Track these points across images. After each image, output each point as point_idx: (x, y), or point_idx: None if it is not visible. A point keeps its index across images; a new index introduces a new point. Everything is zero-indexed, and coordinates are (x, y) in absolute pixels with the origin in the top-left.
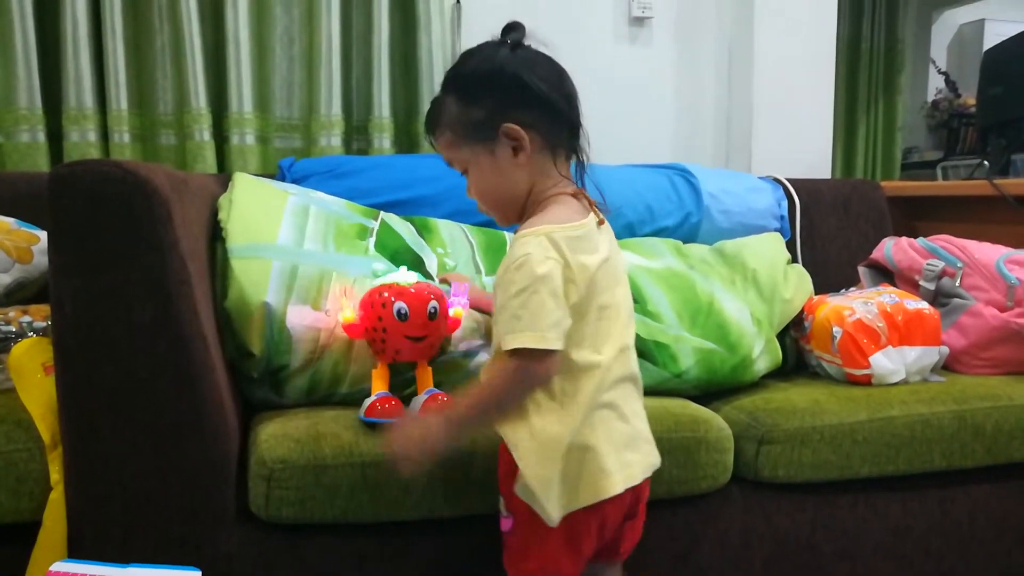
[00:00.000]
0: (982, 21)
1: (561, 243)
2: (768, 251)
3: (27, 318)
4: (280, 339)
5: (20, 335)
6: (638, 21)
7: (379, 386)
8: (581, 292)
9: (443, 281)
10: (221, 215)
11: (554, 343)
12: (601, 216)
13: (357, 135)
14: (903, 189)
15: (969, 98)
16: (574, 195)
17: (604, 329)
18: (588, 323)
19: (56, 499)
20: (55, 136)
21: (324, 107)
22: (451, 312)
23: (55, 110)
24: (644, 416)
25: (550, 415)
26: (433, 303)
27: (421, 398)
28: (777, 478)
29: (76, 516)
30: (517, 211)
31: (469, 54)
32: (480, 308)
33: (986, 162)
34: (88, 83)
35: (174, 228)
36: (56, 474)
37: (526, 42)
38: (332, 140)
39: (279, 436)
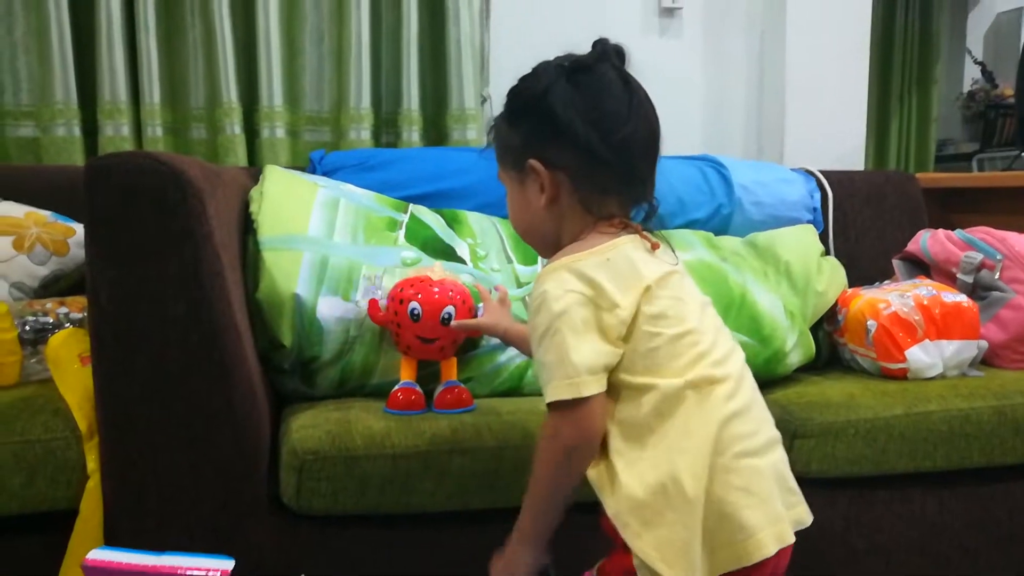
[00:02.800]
0: (1019, 10)
1: (587, 271)
2: (801, 243)
3: (64, 309)
4: (311, 330)
5: (57, 326)
6: (668, 12)
7: (406, 375)
8: (625, 314)
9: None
10: (252, 207)
11: (587, 388)
12: (653, 240)
13: (386, 128)
14: (939, 180)
15: (1007, 88)
16: (612, 224)
17: (677, 350)
18: (647, 345)
19: (92, 488)
20: (90, 130)
21: (354, 100)
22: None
23: (90, 104)
24: (784, 457)
25: (639, 463)
26: (449, 308)
27: (439, 389)
28: (810, 472)
29: (112, 505)
30: (548, 246)
31: (527, 75)
32: (508, 340)
33: (1022, 153)
34: (122, 77)
35: (208, 220)
36: (93, 463)
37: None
38: (362, 133)
39: (310, 427)
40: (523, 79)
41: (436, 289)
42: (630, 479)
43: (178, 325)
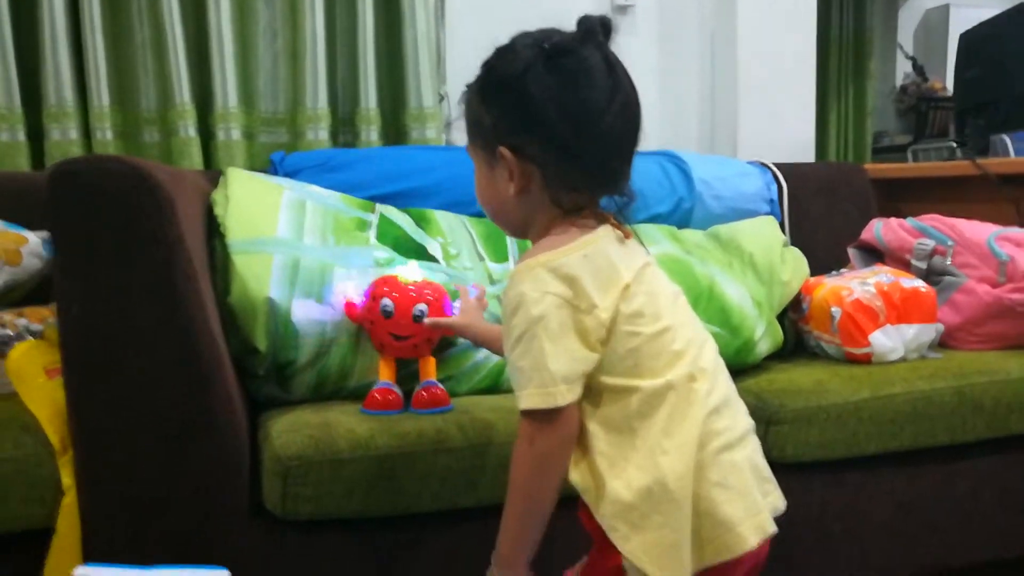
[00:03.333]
0: (947, 6)
1: (564, 268)
2: (764, 234)
3: (23, 320)
4: (286, 334)
5: (18, 338)
6: (621, 9)
7: (385, 375)
8: (605, 316)
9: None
10: (217, 210)
11: (563, 397)
12: (625, 230)
13: (344, 128)
14: (885, 171)
15: (936, 82)
16: (585, 216)
17: (655, 349)
18: (626, 346)
19: (69, 504)
20: (35, 135)
21: (310, 100)
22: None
23: (34, 108)
24: (758, 446)
25: (624, 465)
26: (420, 306)
27: (416, 389)
28: (785, 458)
29: (89, 521)
30: (516, 230)
31: (504, 48)
32: (479, 341)
33: (954, 143)
34: (68, 79)
35: (178, 223)
36: (68, 479)
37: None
38: (319, 134)
39: (292, 432)
40: (500, 53)
41: (411, 287)
42: (616, 482)
43: (152, 332)
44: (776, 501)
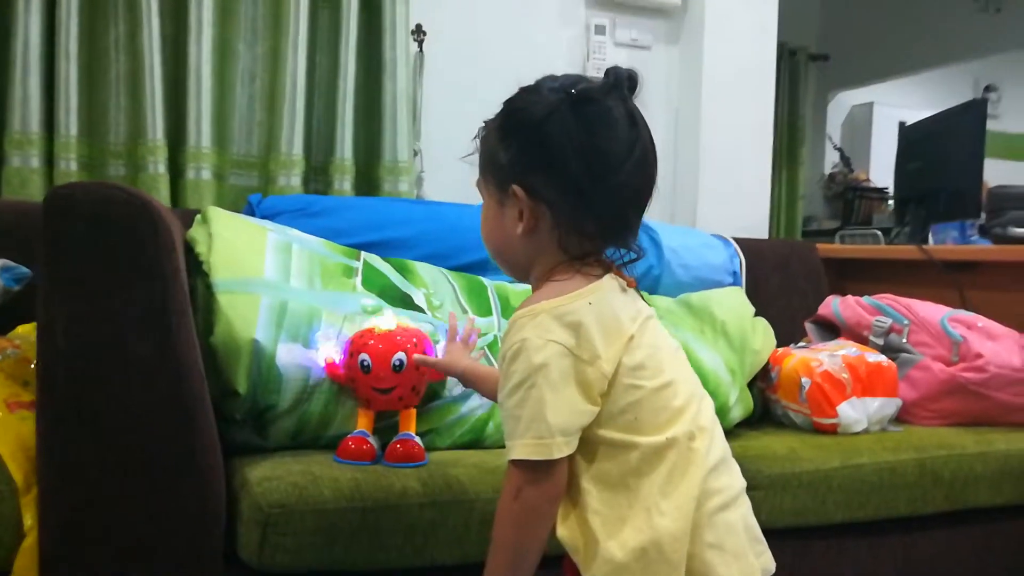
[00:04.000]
0: (871, 104)
1: (568, 316)
2: (734, 304)
3: None
4: (269, 378)
5: None
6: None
7: (361, 424)
8: (608, 368)
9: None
10: (199, 248)
11: (559, 450)
12: (628, 278)
13: (316, 176)
14: (834, 251)
15: (861, 173)
16: (590, 264)
17: (657, 404)
18: (627, 399)
19: (28, 547)
20: None
21: (285, 146)
22: None
23: None
24: (750, 506)
25: (619, 526)
26: (399, 355)
27: (392, 440)
28: (759, 524)
29: (50, 565)
30: (517, 271)
31: (529, 88)
32: (466, 380)
33: (878, 231)
34: (36, 106)
35: (177, 256)
36: (30, 519)
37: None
38: (291, 179)
39: (273, 479)
40: (524, 93)
41: (387, 335)
42: (610, 543)
43: (142, 366)
44: (767, 563)
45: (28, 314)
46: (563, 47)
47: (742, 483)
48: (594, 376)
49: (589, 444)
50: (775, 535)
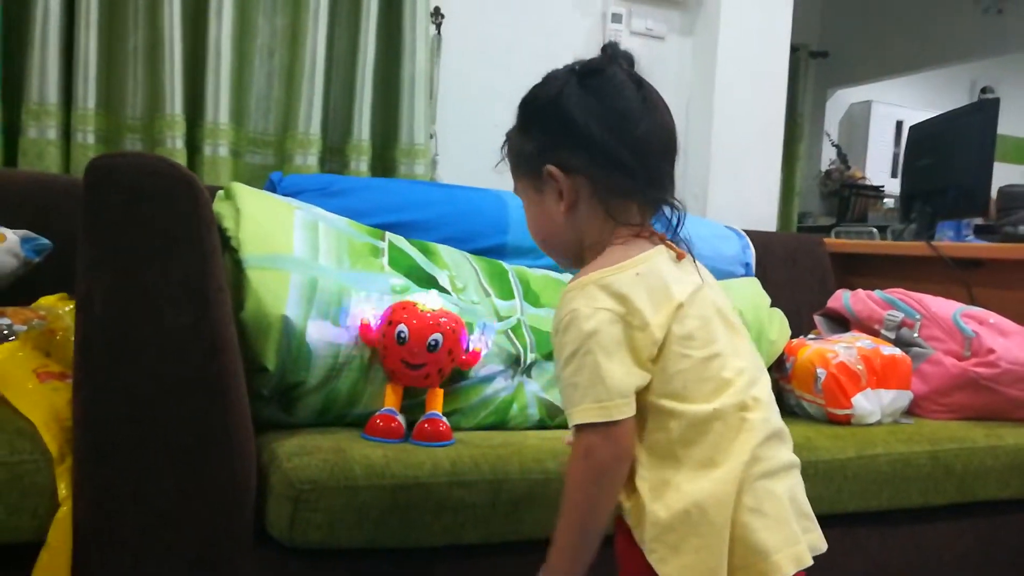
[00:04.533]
0: (869, 102)
1: (615, 285)
2: (751, 294)
3: (6, 320)
4: (298, 355)
5: (1, 339)
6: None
7: (390, 402)
8: (659, 334)
9: None
10: (227, 223)
11: (620, 412)
12: (679, 250)
13: (331, 156)
14: (841, 246)
15: (857, 171)
16: (638, 235)
17: (703, 374)
18: (676, 367)
19: (63, 517)
20: (10, 130)
21: (302, 124)
22: (471, 347)
23: (14, 103)
24: (801, 484)
25: (663, 490)
26: (436, 336)
27: (420, 420)
28: None
29: (84, 536)
30: (571, 257)
31: (537, 83)
32: None
33: (874, 228)
34: (54, 77)
35: (215, 229)
36: (64, 490)
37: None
38: (308, 159)
39: (303, 456)
40: (534, 87)
41: (428, 315)
42: (655, 505)
43: (179, 337)
44: (816, 541)
45: (49, 285)
46: (579, 34)
47: (794, 459)
48: (644, 342)
49: (640, 412)
50: None
